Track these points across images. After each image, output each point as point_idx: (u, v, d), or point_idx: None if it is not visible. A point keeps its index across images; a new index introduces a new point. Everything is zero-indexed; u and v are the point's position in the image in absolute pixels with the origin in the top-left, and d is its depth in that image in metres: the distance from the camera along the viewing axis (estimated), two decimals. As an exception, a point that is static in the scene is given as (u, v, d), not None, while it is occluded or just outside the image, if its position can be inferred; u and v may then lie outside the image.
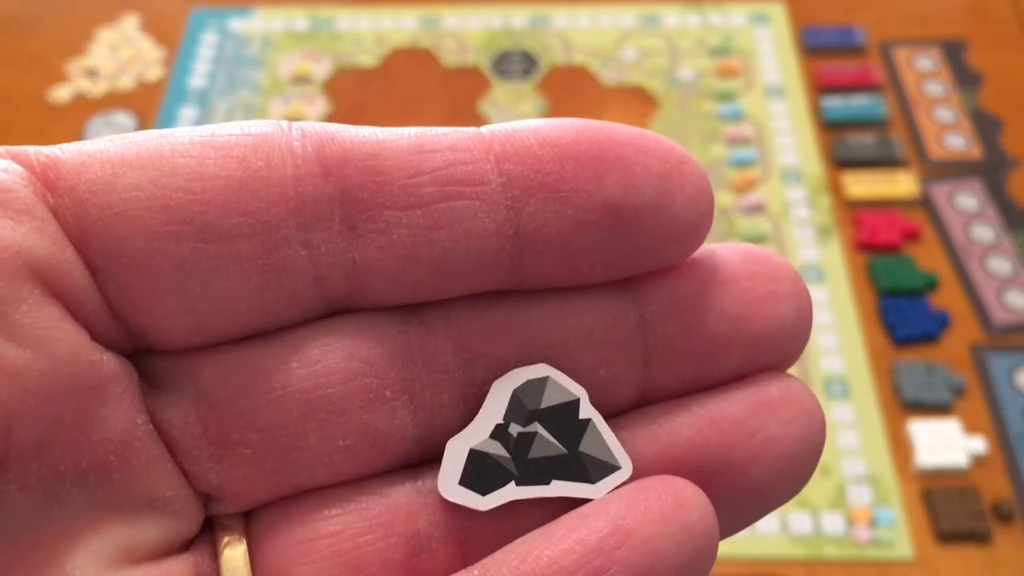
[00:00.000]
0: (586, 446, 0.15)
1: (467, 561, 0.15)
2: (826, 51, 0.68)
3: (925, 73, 0.67)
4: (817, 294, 0.56)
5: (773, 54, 0.69)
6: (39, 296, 0.13)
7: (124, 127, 0.66)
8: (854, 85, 0.66)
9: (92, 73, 0.69)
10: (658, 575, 0.14)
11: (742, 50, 0.69)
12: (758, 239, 0.59)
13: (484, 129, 0.15)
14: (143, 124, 0.66)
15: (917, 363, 0.53)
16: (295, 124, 0.15)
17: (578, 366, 0.16)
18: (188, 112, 0.67)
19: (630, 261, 0.15)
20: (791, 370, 0.16)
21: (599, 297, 0.16)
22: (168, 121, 0.66)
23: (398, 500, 0.16)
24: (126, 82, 0.69)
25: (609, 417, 0.16)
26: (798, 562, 0.47)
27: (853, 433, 0.51)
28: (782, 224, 0.59)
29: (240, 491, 0.15)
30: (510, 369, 0.16)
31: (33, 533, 0.14)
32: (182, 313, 0.14)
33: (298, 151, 0.15)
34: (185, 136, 0.14)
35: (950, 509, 0.47)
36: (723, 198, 0.61)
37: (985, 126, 0.64)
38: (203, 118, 0.66)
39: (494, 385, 0.16)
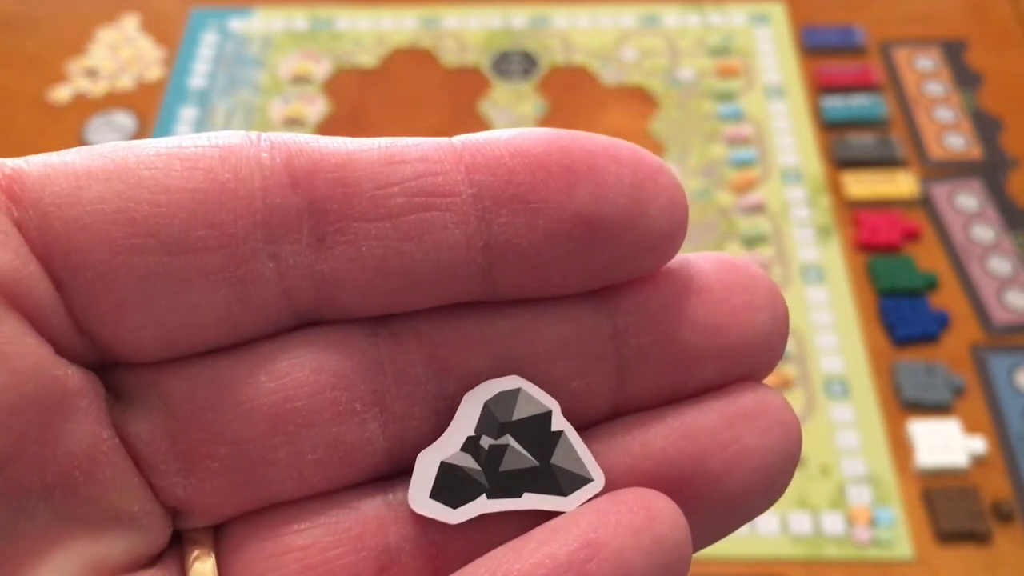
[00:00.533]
0: (558, 458, 0.15)
1: (438, 575, 0.15)
2: (826, 51, 0.68)
3: (925, 73, 0.67)
4: (817, 294, 0.56)
5: (773, 54, 0.69)
6: (1, 310, 0.13)
7: (124, 127, 0.66)
8: (854, 85, 0.66)
9: (92, 73, 0.69)
10: None
11: (742, 50, 0.69)
12: (758, 239, 0.59)
13: (455, 139, 0.15)
14: (143, 124, 0.66)
15: (917, 363, 0.53)
16: (264, 135, 0.15)
17: (550, 377, 0.16)
18: (188, 112, 0.67)
19: (603, 272, 0.15)
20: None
21: (572, 308, 0.16)
22: (168, 121, 0.66)
23: (368, 513, 0.15)
24: (126, 82, 0.69)
25: (582, 429, 0.16)
26: (798, 562, 0.47)
27: (853, 433, 0.51)
28: (782, 224, 0.60)
29: (208, 505, 0.15)
30: (482, 381, 0.16)
31: None
32: (148, 326, 0.14)
33: (266, 162, 0.14)
34: (151, 148, 0.14)
35: (950, 509, 0.47)
36: (723, 198, 0.61)
37: (985, 126, 0.64)
38: (203, 118, 0.66)
39: (465, 397, 0.15)
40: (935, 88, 0.66)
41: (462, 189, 0.15)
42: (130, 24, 0.72)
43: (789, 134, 0.64)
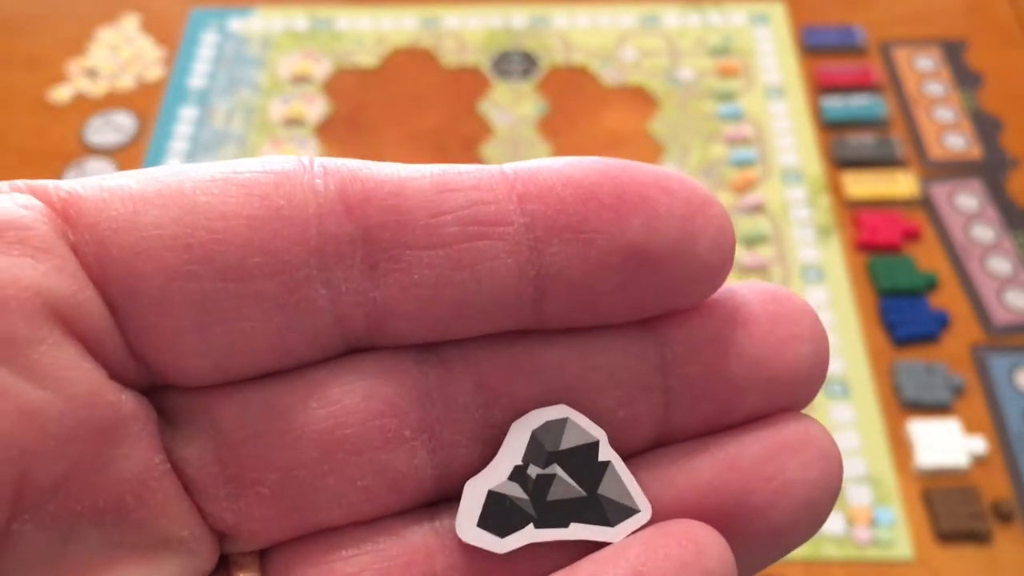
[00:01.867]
0: (605, 489, 0.15)
1: None
2: (826, 51, 0.68)
3: (925, 73, 0.67)
4: (817, 294, 0.56)
5: (773, 54, 0.69)
6: (59, 336, 0.13)
7: (124, 127, 0.66)
8: (854, 85, 0.66)
9: (92, 73, 0.69)
10: None
11: (742, 50, 0.69)
12: (758, 239, 0.59)
13: (507, 168, 0.15)
14: (143, 124, 0.66)
15: (917, 363, 0.53)
16: (316, 160, 0.15)
17: (598, 407, 0.16)
18: (188, 112, 0.67)
19: (651, 302, 0.15)
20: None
21: (620, 337, 0.15)
22: (168, 121, 0.66)
23: (415, 541, 0.15)
24: (126, 82, 0.69)
25: (626, 458, 0.16)
26: (797, 562, 0.47)
27: (853, 433, 0.51)
28: (782, 224, 0.60)
29: (256, 530, 0.15)
30: (529, 410, 0.15)
31: (49, 572, 0.14)
32: (201, 352, 0.14)
33: (320, 189, 0.14)
34: (207, 173, 0.14)
35: (950, 509, 0.47)
36: (723, 198, 0.61)
37: (985, 126, 0.64)
38: (203, 118, 0.66)
39: (513, 426, 0.15)
40: (935, 88, 0.66)
41: (514, 218, 0.14)
42: (130, 24, 0.72)
43: (789, 134, 0.64)
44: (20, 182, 0.14)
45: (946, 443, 0.49)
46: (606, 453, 0.15)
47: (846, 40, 0.69)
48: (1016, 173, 0.61)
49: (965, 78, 0.67)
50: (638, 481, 0.15)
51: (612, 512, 0.15)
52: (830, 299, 0.56)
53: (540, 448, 0.15)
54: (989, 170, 0.62)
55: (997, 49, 0.68)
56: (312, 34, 0.71)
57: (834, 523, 0.48)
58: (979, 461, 0.49)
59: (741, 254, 0.58)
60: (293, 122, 0.66)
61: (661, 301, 0.15)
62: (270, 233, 0.14)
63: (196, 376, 0.15)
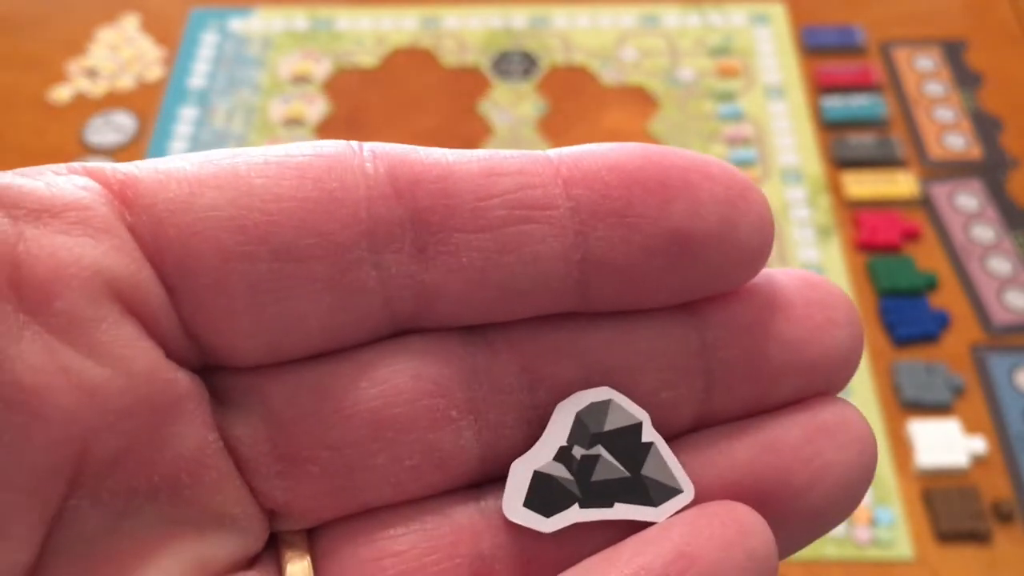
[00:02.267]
0: (648, 469, 0.16)
1: None
2: (826, 51, 0.68)
3: (925, 73, 0.67)
4: (817, 294, 0.56)
5: (773, 54, 0.69)
6: (118, 314, 0.14)
7: (124, 127, 0.66)
8: (854, 85, 0.66)
9: (92, 73, 0.69)
10: None
11: (742, 50, 0.69)
12: (758, 239, 0.59)
13: (552, 153, 0.15)
14: (143, 124, 0.66)
15: (917, 363, 0.53)
16: (366, 145, 0.15)
17: (640, 389, 0.16)
18: (188, 112, 0.67)
19: (693, 286, 0.15)
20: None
21: (662, 321, 0.16)
22: (168, 121, 0.66)
23: (462, 521, 0.16)
24: (126, 82, 0.69)
25: (668, 440, 0.16)
26: (797, 562, 0.47)
27: (853, 433, 0.51)
28: (782, 224, 0.60)
29: (306, 508, 0.15)
30: (573, 391, 0.16)
31: (104, 549, 0.14)
32: (255, 332, 0.15)
33: (370, 172, 0.15)
34: (260, 156, 0.15)
35: (950, 509, 0.47)
36: (723, 198, 0.61)
37: (985, 126, 0.64)
38: (203, 118, 0.66)
39: (557, 408, 0.16)
40: (935, 88, 0.66)
41: (560, 203, 0.15)
42: (130, 24, 0.72)
43: (789, 134, 0.64)
44: (77, 164, 0.14)
45: (946, 443, 0.49)
46: (649, 434, 0.16)
47: (846, 40, 0.69)
48: (1016, 173, 0.61)
49: (965, 78, 0.67)
50: (680, 462, 0.16)
51: (656, 492, 0.15)
52: (830, 299, 0.56)
53: (584, 429, 0.16)
54: (989, 170, 0.62)
55: (997, 49, 0.68)
56: (312, 34, 0.71)
57: (834, 523, 0.48)
58: (979, 461, 0.49)
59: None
60: (293, 122, 0.66)
61: (702, 285, 0.15)
62: (323, 215, 0.14)
63: (248, 356, 0.15)
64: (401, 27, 0.72)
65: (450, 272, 0.15)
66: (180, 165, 0.14)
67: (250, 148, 0.15)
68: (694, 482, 0.16)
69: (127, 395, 0.13)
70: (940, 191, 0.60)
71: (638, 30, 0.71)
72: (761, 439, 0.16)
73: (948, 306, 0.55)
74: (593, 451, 0.16)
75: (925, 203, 0.60)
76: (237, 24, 0.72)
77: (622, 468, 0.16)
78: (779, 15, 0.71)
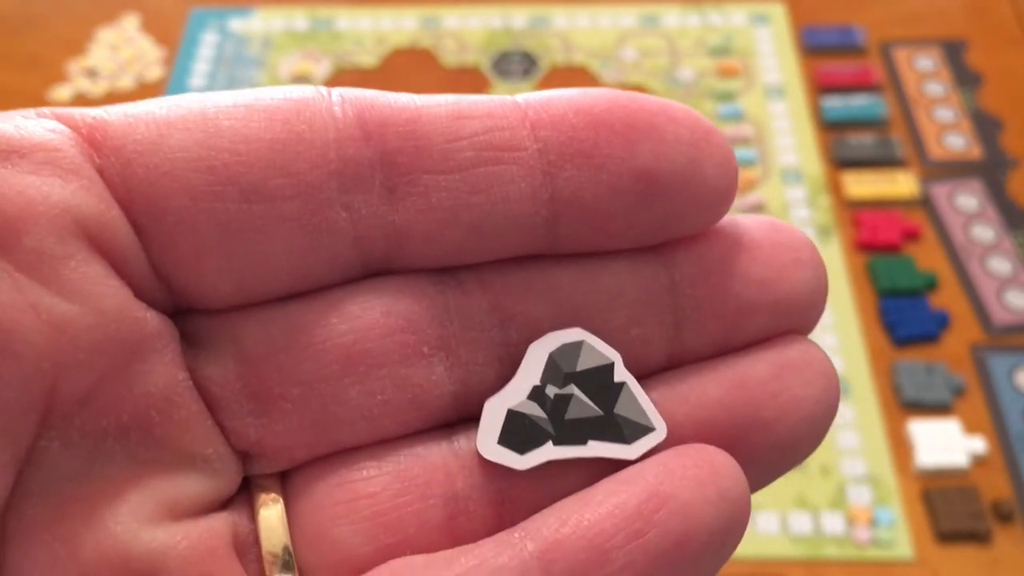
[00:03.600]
0: (621, 408, 0.16)
1: (504, 524, 0.15)
2: (826, 51, 0.68)
3: (925, 73, 0.67)
4: (817, 294, 0.56)
5: (773, 54, 0.69)
6: (86, 252, 0.14)
7: (124, 127, 0.66)
8: (854, 85, 0.66)
9: (92, 73, 0.69)
10: (696, 539, 0.14)
11: (742, 50, 0.69)
12: (758, 239, 0.59)
13: (519, 97, 0.16)
14: (143, 124, 0.66)
15: (917, 363, 0.53)
16: (334, 89, 0.15)
17: (610, 326, 0.16)
18: (188, 112, 0.67)
19: (661, 227, 0.16)
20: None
21: (631, 261, 0.16)
22: (168, 121, 0.66)
23: (435, 461, 0.16)
24: (126, 82, 0.69)
25: (640, 378, 0.16)
26: (798, 562, 0.47)
27: (853, 433, 0.51)
28: (782, 224, 0.59)
29: (279, 447, 0.15)
30: (544, 330, 0.16)
31: (75, 489, 0.14)
32: (225, 273, 0.15)
33: (339, 115, 0.15)
34: (229, 99, 0.15)
35: (950, 509, 0.47)
36: (723, 198, 0.61)
37: (985, 126, 0.64)
38: (203, 118, 0.66)
39: (530, 348, 0.16)
40: (935, 88, 0.66)
41: (528, 144, 0.15)
42: (130, 24, 0.72)
43: (789, 134, 0.64)
44: (46, 109, 0.15)
45: (946, 443, 0.49)
46: (621, 374, 0.16)
47: (846, 40, 0.69)
48: (1016, 173, 0.61)
49: (965, 78, 0.67)
50: (652, 400, 0.16)
51: (629, 430, 0.16)
52: (830, 299, 0.56)
53: (557, 369, 0.16)
54: (989, 170, 0.62)
55: (997, 49, 0.68)
56: (312, 34, 0.71)
57: (834, 523, 0.48)
58: (979, 461, 0.49)
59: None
60: (293, 122, 0.66)
61: (669, 226, 0.16)
62: (291, 156, 0.14)
63: (219, 298, 0.15)
64: (401, 27, 0.72)
65: (420, 213, 0.15)
66: (149, 108, 0.15)
67: (219, 92, 0.15)
68: (666, 420, 0.16)
69: (96, 332, 0.14)
70: (940, 191, 0.60)
71: (638, 30, 0.71)
72: (731, 376, 0.16)
73: (948, 306, 0.55)
74: (566, 390, 0.16)
75: (925, 203, 0.60)
76: (237, 24, 0.72)
77: (595, 407, 0.16)
78: (779, 15, 0.71)
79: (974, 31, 0.69)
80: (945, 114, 0.65)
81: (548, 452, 0.16)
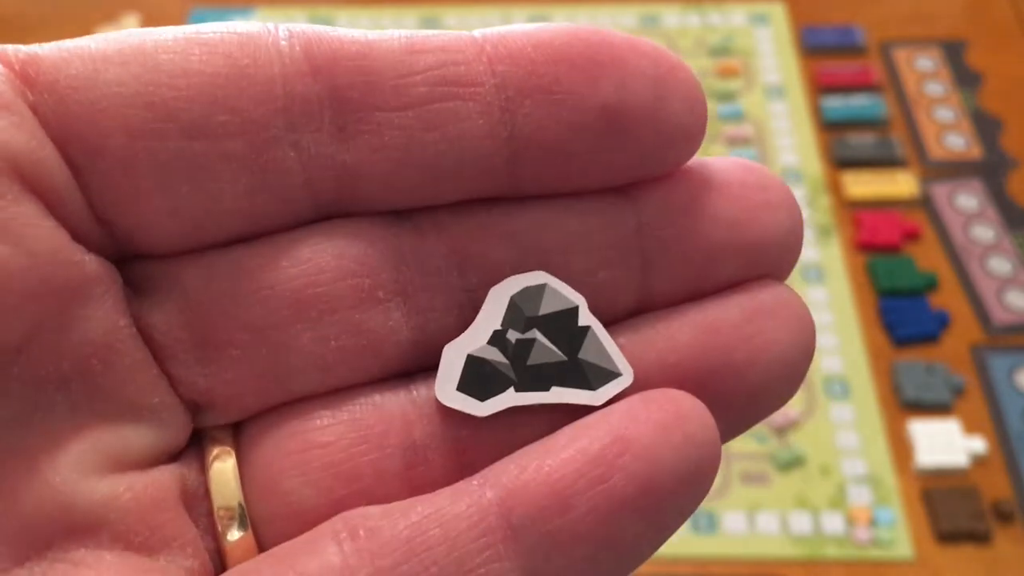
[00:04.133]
0: (586, 353, 0.15)
1: (464, 473, 0.15)
2: (826, 51, 0.68)
3: (925, 73, 0.67)
4: (817, 294, 0.56)
5: (773, 54, 0.69)
6: (18, 191, 0.13)
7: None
8: (854, 85, 0.66)
9: (92, 73, 0.69)
10: (660, 484, 0.14)
11: (742, 50, 0.69)
12: (758, 239, 0.59)
13: (476, 32, 0.15)
14: (143, 124, 0.66)
15: (917, 363, 0.53)
16: (282, 24, 0.15)
17: (575, 270, 0.15)
18: (188, 112, 0.67)
19: (625, 166, 0.15)
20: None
21: (596, 203, 0.15)
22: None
23: (392, 410, 0.15)
24: (126, 82, 0.69)
25: (607, 324, 0.16)
26: (798, 562, 0.47)
27: (853, 433, 0.51)
28: (782, 224, 0.60)
29: (230, 396, 0.15)
30: (505, 274, 0.15)
31: (14, 440, 0.13)
32: (168, 214, 0.14)
33: (285, 50, 0.14)
34: (169, 33, 0.14)
35: (950, 509, 0.48)
36: (723, 198, 0.61)
37: (985, 126, 0.64)
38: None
39: (491, 292, 0.15)
40: (935, 88, 0.66)
41: (485, 79, 0.14)
42: (130, 24, 0.72)
43: (789, 134, 0.64)
44: None
45: (946, 443, 0.49)
46: (585, 318, 0.15)
47: (846, 40, 0.69)
48: (1016, 173, 0.61)
49: (965, 78, 0.67)
50: (619, 345, 0.15)
51: (593, 376, 0.15)
52: (830, 299, 0.56)
53: (519, 313, 0.15)
54: (989, 170, 0.62)
55: (997, 49, 0.68)
56: (312, 34, 0.71)
57: (834, 523, 0.48)
58: (979, 461, 0.49)
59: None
60: (293, 122, 0.66)
61: (635, 166, 0.15)
62: (235, 91, 0.14)
63: (163, 242, 0.14)
64: (401, 27, 0.72)
65: (372, 152, 0.14)
66: (84, 43, 0.14)
67: (160, 28, 0.14)
68: (634, 365, 0.15)
69: (29, 275, 0.13)
70: (940, 191, 0.60)
71: (638, 30, 0.71)
72: (701, 320, 0.15)
73: (948, 306, 0.55)
74: (528, 335, 0.15)
75: (925, 203, 0.60)
76: (237, 24, 0.72)
77: (559, 352, 0.15)
78: (779, 15, 0.71)
79: (974, 31, 0.69)
80: (945, 114, 0.65)
81: (510, 398, 0.15)
